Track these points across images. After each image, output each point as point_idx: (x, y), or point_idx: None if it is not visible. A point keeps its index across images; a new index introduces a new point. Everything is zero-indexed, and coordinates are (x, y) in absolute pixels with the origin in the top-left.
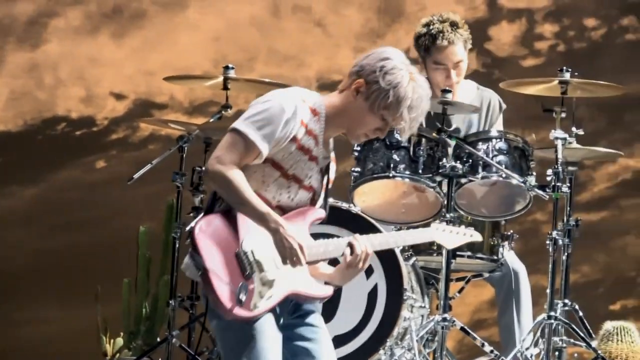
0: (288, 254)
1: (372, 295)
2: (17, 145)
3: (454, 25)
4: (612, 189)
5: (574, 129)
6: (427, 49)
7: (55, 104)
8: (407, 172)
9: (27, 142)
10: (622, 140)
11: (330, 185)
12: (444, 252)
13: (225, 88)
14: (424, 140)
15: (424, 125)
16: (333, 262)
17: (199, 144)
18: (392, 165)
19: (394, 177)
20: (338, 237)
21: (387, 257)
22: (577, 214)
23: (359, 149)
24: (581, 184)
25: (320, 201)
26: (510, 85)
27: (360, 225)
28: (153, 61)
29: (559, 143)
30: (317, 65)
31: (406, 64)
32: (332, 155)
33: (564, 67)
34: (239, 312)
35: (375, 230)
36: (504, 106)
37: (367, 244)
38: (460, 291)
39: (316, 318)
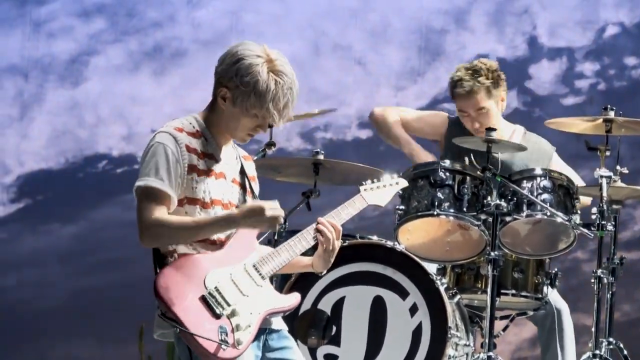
0: (270, 217)
1: (417, 333)
2: (58, 183)
3: (475, 73)
4: None
5: (618, 167)
6: (452, 97)
7: (96, 142)
8: (452, 210)
9: (68, 180)
10: None
11: (255, 186)
12: (488, 290)
13: (270, 126)
14: (468, 178)
15: (469, 163)
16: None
17: None
18: (436, 203)
19: (438, 215)
20: (384, 275)
21: (431, 295)
22: (620, 253)
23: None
24: (622, 223)
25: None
26: (554, 124)
27: (405, 263)
28: (193, 99)
29: (604, 181)
30: (357, 104)
31: (262, 55)
32: (242, 153)
33: (609, 105)
34: (228, 354)
35: (420, 268)
36: (553, 148)
37: (333, 220)
38: (504, 329)
39: (286, 338)
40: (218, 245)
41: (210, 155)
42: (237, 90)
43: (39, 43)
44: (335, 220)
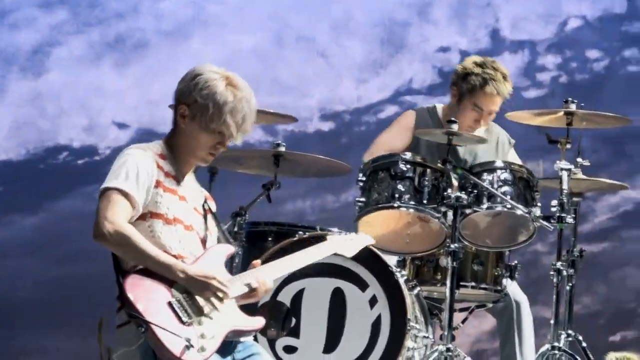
0: (211, 292)
1: (376, 325)
2: (19, 174)
3: (505, 77)
4: (613, 220)
5: (579, 159)
6: (472, 88)
7: (58, 133)
8: (412, 203)
9: (29, 171)
10: (624, 172)
11: (214, 222)
12: (447, 282)
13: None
14: (428, 170)
15: (430, 155)
16: None
17: (204, 173)
18: (396, 196)
19: (398, 207)
20: (344, 267)
21: (391, 287)
22: (579, 245)
23: (364, 179)
24: (582, 215)
25: (213, 237)
26: (515, 117)
27: (365, 255)
28: (156, 91)
29: (564, 174)
30: (320, 96)
31: (219, 72)
32: (205, 193)
33: (570, 98)
34: (192, 357)
35: (379, 261)
36: (512, 141)
37: (266, 279)
38: (463, 321)
39: (252, 345)
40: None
41: (175, 177)
42: (196, 105)
43: (2, 34)
44: (275, 272)
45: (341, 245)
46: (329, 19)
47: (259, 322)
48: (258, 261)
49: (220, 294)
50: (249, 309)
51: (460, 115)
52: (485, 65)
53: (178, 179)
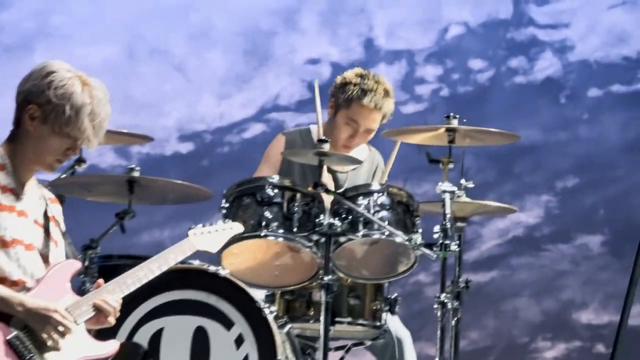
0: (52, 327)
1: None
2: None
3: (387, 93)
4: (502, 246)
5: (462, 181)
6: (349, 99)
7: None
8: (281, 231)
9: None
10: (512, 193)
11: (58, 231)
12: (321, 318)
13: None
14: (298, 195)
15: (299, 179)
16: None
17: None
18: (263, 223)
19: (265, 236)
20: (206, 304)
21: (259, 325)
22: (465, 275)
23: (227, 205)
24: (467, 242)
25: (60, 249)
26: (392, 134)
27: (229, 290)
28: None
29: (447, 197)
30: (177, 114)
31: (73, 71)
32: (48, 194)
33: (452, 113)
34: None
35: (246, 295)
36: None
37: (109, 298)
38: None
39: None
40: (20, 287)
41: (12, 191)
42: (49, 105)
43: None
44: (122, 289)
45: (204, 240)
46: (186, 28)
47: (112, 346)
48: (101, 280)
49: (61, 329)
50: (104, 334)
51: (335, 130)
52: (366, 77)
53: (17, 192)
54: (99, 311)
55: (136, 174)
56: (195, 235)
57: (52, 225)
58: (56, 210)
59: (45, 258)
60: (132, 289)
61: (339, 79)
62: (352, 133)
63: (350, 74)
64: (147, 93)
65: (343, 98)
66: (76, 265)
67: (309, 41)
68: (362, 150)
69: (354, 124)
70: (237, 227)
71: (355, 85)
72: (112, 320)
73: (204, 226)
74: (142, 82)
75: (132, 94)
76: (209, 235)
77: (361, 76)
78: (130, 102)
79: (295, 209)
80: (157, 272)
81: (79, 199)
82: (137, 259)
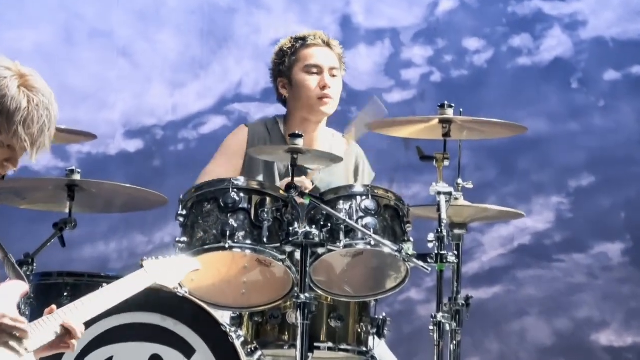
0: (6, 334)
1: None
2: None
3: (328, 41)
4: (507, 257)
5: (460, 181)
6: (294, 52)
7: None
8: (248, 242)
9: None
10: (517, 195)
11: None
12: (297, 343)
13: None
14: (268, 199)
15: (265, 178)
16: None
17: None
18: (228, 233)
19: (230, 248)
20: (162, 328)
21: (224, 352)
22: (465, 291)
23: (184, 212)
24: (467, 252)
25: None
26: (377, 127)
27: (189, 312)
28: None
29: (442, 199)
30: (123, 106)
31: (12, 68)
32: None
33: (446, 102)
34: None
35: (208, 318)
36: (373, 174)
37: (77, 324)
38: None
39: None
40: None
41: None
42: None
43: None
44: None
45: (162, 273)
46: (131, 6)
47: None
48: (54, 306)
49: (17, 333)
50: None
51: (300, 90)
52: (297, 36)
53: None
54: (63, 335)
55: (76, 177)
56: (150, 267)
57: None
58: None
59: None
60: (89, 316)
61: (274, 52)
62: (319, 80)
63: (281, 42)
64: (87, 82)
65: (288, 57)
66: (24, 287)
67: (275, 19)
68: (341, 144)
69: (314, 68)
70: (194, 264)
71: (291, 42)
72: (75, 344)
73: (157, 258)
74: (81, 70)
75: (69, 83)
76: (166, 269)
77: (292, 38)
78: (68, 93)
79: (265, 215)
80: (112, 304)
81: (10, 207)
82: (79, 277)
